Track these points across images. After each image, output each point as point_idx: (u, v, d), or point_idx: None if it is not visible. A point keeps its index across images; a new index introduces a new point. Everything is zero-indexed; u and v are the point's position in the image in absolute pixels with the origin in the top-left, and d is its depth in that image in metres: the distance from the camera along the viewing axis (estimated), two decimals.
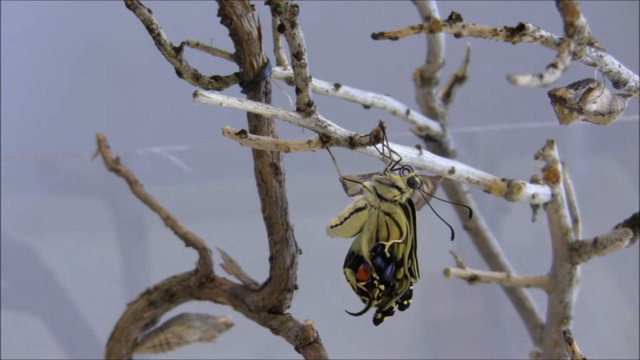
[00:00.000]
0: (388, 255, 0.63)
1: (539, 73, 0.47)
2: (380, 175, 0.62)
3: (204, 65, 0.66)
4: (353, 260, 0.63)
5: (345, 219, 0.63)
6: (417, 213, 0.63)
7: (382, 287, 0.63)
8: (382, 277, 0.63)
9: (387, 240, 0.63)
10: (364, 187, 0.63)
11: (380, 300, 0.64)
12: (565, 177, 0.79)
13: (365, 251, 0.63)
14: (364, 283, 0.63)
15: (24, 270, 1.23)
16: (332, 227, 0.64)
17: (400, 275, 0.63)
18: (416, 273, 0.64)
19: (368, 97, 0.77)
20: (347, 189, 0.64)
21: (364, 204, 0.63)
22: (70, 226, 1.28)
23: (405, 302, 0.65)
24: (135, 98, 1.41)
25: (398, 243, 0.63)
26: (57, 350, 1.19)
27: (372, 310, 0.65)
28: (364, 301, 0.64)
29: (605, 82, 0.61)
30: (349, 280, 0.64)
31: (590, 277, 0.86)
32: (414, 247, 0.63)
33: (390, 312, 0.65)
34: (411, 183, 0.62)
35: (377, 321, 0.65)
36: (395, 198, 0.62)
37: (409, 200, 0.62)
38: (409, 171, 0.62)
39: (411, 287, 0.64)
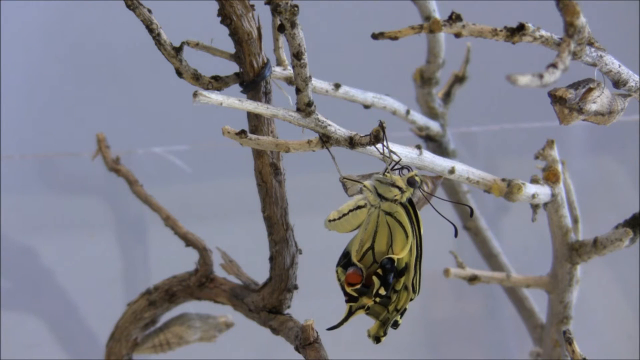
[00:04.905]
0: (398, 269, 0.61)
1: (539, 73, 0.47)
2: (381, 175, 0.62)
3: (204, 65, 0.66)
4: (347, 261, 0.63)
5: (344, 215, 0.62)
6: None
7: (378, 299, 0.62)
8: (387, 292, 0.61)
9: (389, 246, 0.61)
10: (364, 186, 0.62)
11: (369, 310, 0.63)
12: (565, 177, 0.79)
13: (354, 250, 0.62)
14: (355, 288, 0.62)
15: (24, 270, 1.23)
16: (330, 220, 0.63)
17: (399, 287, 0.61)
18: (417, 287, 0.61)
19: (368, 97, 0.77)
20: (347, 189, 0.63)
21: (365, 202, 0.62)
22: (70, 226, 1.28)
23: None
24: (135, 98, 1.41)
25: (403, 254, 0.61)
26: (57, 351, 1.19)
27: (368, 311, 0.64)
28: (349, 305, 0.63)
29: (605, 82, 0.61)
30: (339, 280, 0.63)
31: (590, 277, 0.86)
32: (418, 257, 0.61)
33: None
34: (411, 182, 0.61)
35: (378, 340, 0.63)
36: (396, 197, 0.61)
37: (410, 201, 0.62)
38: (408, 171, 0.62)
39: (407, 306, 0.62)
